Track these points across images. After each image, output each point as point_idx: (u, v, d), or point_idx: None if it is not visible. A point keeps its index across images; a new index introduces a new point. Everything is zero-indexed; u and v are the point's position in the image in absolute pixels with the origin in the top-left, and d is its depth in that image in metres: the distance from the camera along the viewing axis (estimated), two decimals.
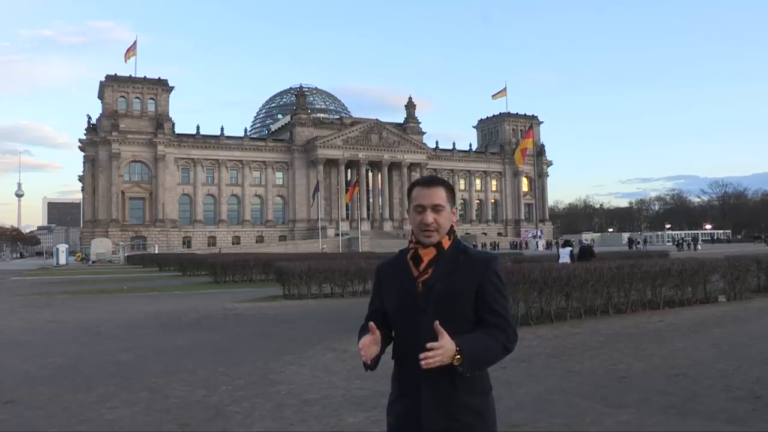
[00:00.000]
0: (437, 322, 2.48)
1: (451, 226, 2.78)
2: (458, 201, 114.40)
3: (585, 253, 22.39)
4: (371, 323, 2.66)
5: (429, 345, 2.43)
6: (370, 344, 2.63)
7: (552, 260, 22.51)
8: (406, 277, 2.73)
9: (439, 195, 2.73)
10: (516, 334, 2.68)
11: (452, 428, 2.57)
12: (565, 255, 23.06)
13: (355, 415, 6.62)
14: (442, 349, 2.42)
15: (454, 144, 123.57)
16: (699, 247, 73.42)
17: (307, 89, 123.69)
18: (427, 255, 2.72)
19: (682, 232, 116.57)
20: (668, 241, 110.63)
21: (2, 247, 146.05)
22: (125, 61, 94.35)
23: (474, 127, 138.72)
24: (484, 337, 2.58)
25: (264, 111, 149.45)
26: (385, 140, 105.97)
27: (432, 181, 2.80)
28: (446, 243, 2.74)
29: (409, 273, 2.73)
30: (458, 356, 2.46)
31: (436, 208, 2.71)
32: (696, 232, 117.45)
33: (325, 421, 6.46)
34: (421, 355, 2.44)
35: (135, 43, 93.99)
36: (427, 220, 2.69)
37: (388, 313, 2.79)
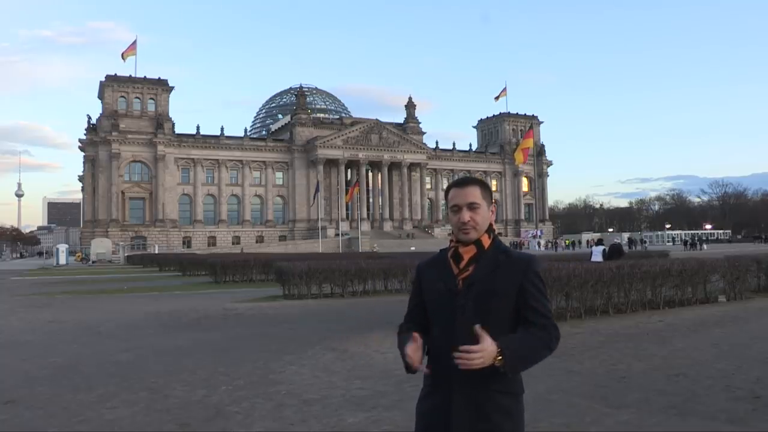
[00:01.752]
0: (478, 326, 2.48)
1: (490, 225, 2.80)
2: None
3: (614, 251, 22.50)
4: (414, 333, 2.68)
5: (468, 348, 2.44)
6: (414, 351, 2.64)
7: (553, 260, 22.54)
8: (446, 275, 2.76)
9: (474, 193, 2.76)
10: (559, 333, 2.69)
11: (481, 428, 2.58)
12: (597, 253, 23.22)
13: (355, 415, 6.62)
14: (483, 353, 2.43)
15: (454, 144, 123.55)
16: (704, 246, 73.60)
17: (307, 89, 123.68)
18: (468, 253, 2.75)
19: (683, 232, 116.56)
20: (668, 241, 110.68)
21: (2, 247, 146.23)
22: (124, 60, 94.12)
23: (474, 127, 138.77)
24: (526, 337, 2.59)
25: (264, 111, 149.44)
26: (385, 140, 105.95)
27: (465, 181, 2.84)
28: (486, 242, 2.77)
29: (449, 270, 2.77)
30: (500, 357, 2.46)
31: (472, 206, 2.74)
32: (696, 232, 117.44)
33: (325, 421, 6.46)
34: (457, 356, 2.44)
35: (135, 42, 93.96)
36: (464, 218, 2.72)
37: (428, 309, 2.83)
